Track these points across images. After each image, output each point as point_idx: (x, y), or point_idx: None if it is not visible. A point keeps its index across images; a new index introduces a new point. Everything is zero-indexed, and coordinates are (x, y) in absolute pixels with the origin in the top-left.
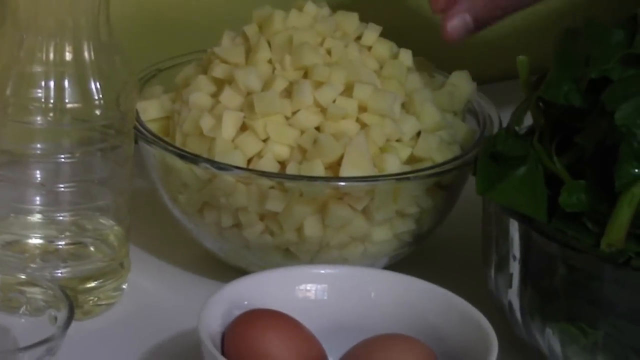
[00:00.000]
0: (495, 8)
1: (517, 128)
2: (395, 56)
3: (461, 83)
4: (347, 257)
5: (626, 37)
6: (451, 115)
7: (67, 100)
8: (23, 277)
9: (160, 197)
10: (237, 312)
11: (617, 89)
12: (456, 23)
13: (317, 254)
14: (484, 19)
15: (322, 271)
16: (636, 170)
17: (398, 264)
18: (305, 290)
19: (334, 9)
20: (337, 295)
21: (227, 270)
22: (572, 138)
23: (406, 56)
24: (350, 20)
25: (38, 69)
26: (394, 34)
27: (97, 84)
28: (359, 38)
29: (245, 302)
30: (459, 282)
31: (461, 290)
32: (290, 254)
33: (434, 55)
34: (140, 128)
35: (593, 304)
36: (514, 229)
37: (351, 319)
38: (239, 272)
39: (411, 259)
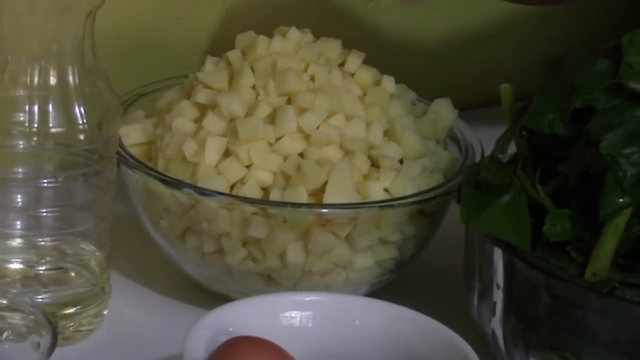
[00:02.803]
0: None
1: (500, 156)
2: (378, 83)
3: (443, 110)
4: (329, 284)
5: (610, 66)
6: (433, 142)
7: (50, 125)
8: (4, 302)
9: (142, 223)
10: (222, 339)
11: (602, 118)
12: None
13: (299, 281)
14: None
15: (307, 298)
16: (621, 200)
17: (380, 291)
18: (289, 318)
19: (318, 35)
20: (322, 322)
21: (208, 297)
22: (556, 167)
23: (389, 83)
24: (333, 47)
25: (22, 92)
26: (377, 60)
27: (81, 108)
28: (342, 64)
29: (230, 329)
30: (441, 310)
31: (444, 318)
32: (272, 281)
33: (416, 82)
34: (123, 153)
35: (577, 333)
36: (498, 257)
37: (336, 346)
38: (220, 298)
39: (393, 286)
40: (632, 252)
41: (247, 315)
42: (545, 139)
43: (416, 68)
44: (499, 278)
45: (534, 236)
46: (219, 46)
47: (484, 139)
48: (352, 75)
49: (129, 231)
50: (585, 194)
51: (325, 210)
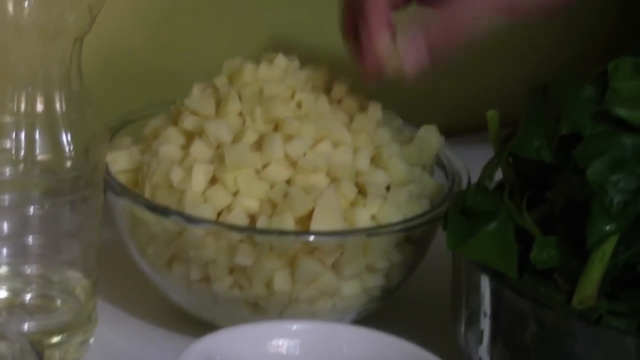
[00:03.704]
0: (450, 41)
1: (487, 183)
2: (364, 109)
3: (430, 137)
4: (316, 311)
5: (596, 92)
6: (420, 169)
7: (37, 151)
8: None
9: (128, 250)
10: None
11: (589, 145)
12: (415, 60)
13: (286, 309)
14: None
15: (294, 326)
16: (607, 227)
17: (367, 319)
18: (277, 346)
19: (304, 62)
20: (309, 351)
21: (194, 324)
22: (543, 194)
23: (375, 109)
24: (320, 73)
25: (8, 119)
26: (363, 87)
27: (68, 135)
28: (329, 91)
29: (217, 357)
30: (428, 338)
31: (430, 346)
32: (258, 308)
33: (403, 109)
34: (109, 179)
35: None
36: (485, 284)
37: None
38: (207, 326)
39: (380, 313)
40: (619, 279)
41: (234, 344)
42: (532, 165)
43: (402, 94)
44: (486, 305)
45: (521, 263)
46: (206, 72)
47: (471, 165)
48: (339, 101)
49: (116, 258)
50: (572, 221)
51: (312, 238)
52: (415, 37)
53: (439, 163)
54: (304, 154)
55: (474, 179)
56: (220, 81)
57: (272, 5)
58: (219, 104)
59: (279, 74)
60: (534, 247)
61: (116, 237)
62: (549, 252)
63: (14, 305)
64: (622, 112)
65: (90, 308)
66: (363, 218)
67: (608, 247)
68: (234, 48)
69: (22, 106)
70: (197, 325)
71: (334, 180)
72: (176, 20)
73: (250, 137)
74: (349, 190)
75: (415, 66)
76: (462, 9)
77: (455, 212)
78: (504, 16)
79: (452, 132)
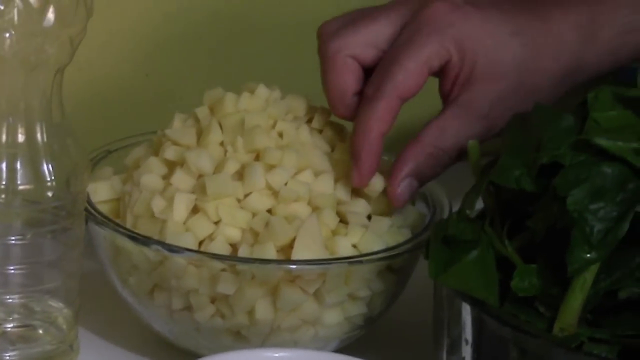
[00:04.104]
0: (437, 166)
1: (468, 212)
2: (345, 139)
3: None
4: (298, 340)
5: (576, 122)
6: None
7: (19, 182)
8: None
9: (110, 279)
10: None
11: (569, 174)
12: (403, 190)
13: (268, 337)
14: (427, 178)
15: (276, 355)
16: (588, 255)
17: (349, 347)
18: None
19: (285, 92)
20: None
21: (177, 353)
22: (524, 222)
23: None
24: (301, 103)
25: None
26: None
27: (49, 165)
28: (310, 121)
29: None
30: None
31: None
32: (241, 337)
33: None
34: (91, 209)
35: None
36: (466, 312)
37: None
38: (189, 355)
39: (362, 342)
40: (600, 307)
41: None
42: (512, 194)
43: None
44: (468, 333)
45: (502, 291)
46: (187, 103)
47: (452, 195)
48: (320, 131)
49: (98, 288)
50: (553, 249)
51: (293, 267)
52: (407, 181)
53: (420, 193)
54: (286, 184)
55: (455, 208)
56: (202, 112)
57: (254, 37)
58: (200, 134)
59: (260, 104)
60: (515, 275)
61: (98, 266)
62: (530, 280)
63: None
64: (602, 141)
65: (72, 337)
66: (345, 247)
67: (589, 275)
68: (215, 78)
69: (4, 137)
70: (180, 354)
71: (315, 209)
72: (157, 51)
73: (232, 166)
74: (331, 220)
75: (401, 204)
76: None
77: (437, 240)
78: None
79: None
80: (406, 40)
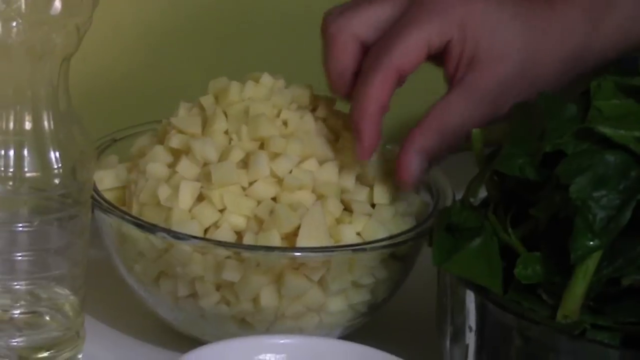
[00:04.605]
0: (444, 144)
1: (472, 200)
2: (349, 128)
3: None
4: (302, 327)
5: (579, 111)
6: None
7: (25, 169)
8: None
9: (116, 267)
10: None
11: (571, 162)
12: (412, 166)
13: (272, 324)
14: (435, 156)
15: (281, 341)
16: (591, 243)
17: (353, 334)
18: None
19: (290, 82)
20: None
21: (182, 340)
22: (527, 210)
23: None
24: (305, 92)
25: None
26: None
27: (56, 153)
28: (314, 110)
29: None
30: (414, 353)
31: None
32: (246, 324)
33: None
34: (97, 197)
35: None
36: (470, 300)
37: None
38: (194, 341)
39: (366, 329)
40: (603, 294)
41: (221, 358)
42: (516, 183)
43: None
44: (471, 321)
45: (506, 279)
46: (192, 92)
47: (456, 184)
48: (324, 120)
49: (104, 275)
50: (556, 237)
51: (298, 254)
52: (416, 157)
53: (424, 181)
54: (290, 172)
55: (459, 196)
56: (207, 100)
57: (259, 28)
58: (206, 122)
59: (264, 93)
60: (518, 263)
61: (104, 254)
62: (533, 268)
63: (2, 321)
64: (605, 129)
65: (79, 324)
66: (349, 235)
67: (591, 262)
68: (220, 68)
69: (11, 125)
70: (185, 341)
71: (319, 197)
72: (163, 40)
73: (237, 155)
74: (335, 208)
75: (411, 180)
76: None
77: (440, 228)
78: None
79: None
80: (407, 19)
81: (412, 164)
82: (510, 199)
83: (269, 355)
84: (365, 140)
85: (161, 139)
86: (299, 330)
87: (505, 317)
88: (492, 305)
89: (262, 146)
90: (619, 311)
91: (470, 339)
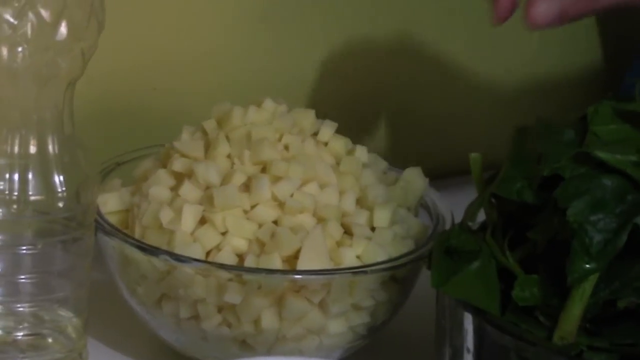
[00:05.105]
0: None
1: (470, 223)
2: (351, 152)
3: (414, 179)
4: (302, 349)
5: (576, 136)
6: (405, 210)
7: (30, 193)
8: None
9: (119, 289)
10: None
11: (569, 186)
12: (542, 10)
13: (273, 346)
14: (571, 12)
15: None
16: (587, 266)
17: (352, 356)
18: None
19: (291, 105)
20: None
21: None
22: (525, 233)
23: (361, 152)
24: (307, 117)
25: (2, 161)
26: (349, 130)
27: (60, 177)
28: (316, 134)
29: None
30: None
31: None
32: (246, 346)
33: (388, 152)
34: (100, 220)
35: None
36: (468, 322)
37: None
38: None
39: (366, 351)
40: (599, 316)
41: None
42: (514, 206)
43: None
44: (469, 342)
45: (504, 301)
46: (195, 116)
47: (455, 207)
48: (326, 144)
49: (106, 298)
50: (553, 260)
51: (299, 277)
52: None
53: (423, 204)
54: (291, 195)
55: (458, 220)
56: (209, 125)
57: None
58: (208, 146)
59: (266, 118)
60: (516, 285)
61: (107, 277)
62: (531, 290)
63: (6, 343)
64: (602, 154)
65: (81, 346)
66: (349, 257)
67: (588, 284)
68: (223, 93)
69: (16, 148)
70: None
71: (320, 220)
72: (167, 64)
73: (239, 178)
74: (335, 231)
75: (541, 23)
76: None
77: (439, 251)
78: None
79: (436, 175)
80: None
81: (542, 11)
82: (509, 222)
83: None
84: (501, 2)
85: (164, 163)
86: (299, 352)
87: (503, 338)
88: (489, 327)
89: (264, 170)
90: (616, 333)
91: None
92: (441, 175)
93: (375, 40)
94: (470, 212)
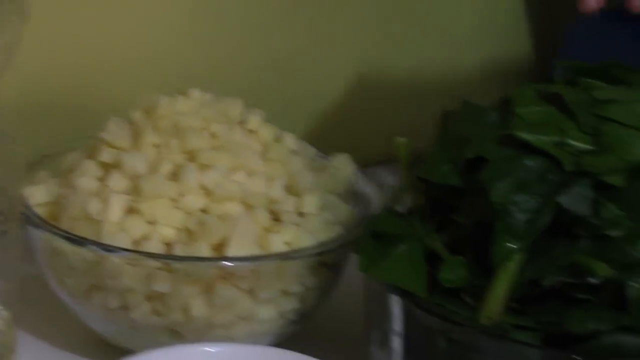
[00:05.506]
0: None
1: (398, 208)
2: (278, 140)
3: (342, 165)
4: (233, 336)
5: (500, 118)
6: (333, 196)
7: None
8: None
9: (48, 281)
10: None
11: (493, 168)
12: None
13: (203, 334)
14: None
15: (210, 349)
16: (511, 245)
17: (284, 342)
18: None
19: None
20: None
21: (115, 352)
22: (451, 216)
23: (289, 139)
24: (234, 105)
25: None
26: (278, 119)
27: None
28: (243, 122)
29: None
30: (343, 359)
31: None
32: (177, 334)
33: (317, 139)
34: (28, 213)
35: None
36: (396, 305)
37: None
38: (127, 353)
39: (296, 336)
40: (524, 296)
41: None
42: (440, 189)
43: (316, 126)
44: (397, 325)
45: (431, 284)
46: (123, 108)
47: (384, 194)
48: (254, 132)
49: (36, 290)
50: (479, 241)
51: (227, 264)
52: None
53: (352, 191)
54: (219, 183)
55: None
56: (136, 115)
57: (188, 40)
58: (135, 136)
59: (193, 107)
60: (442, 267)
61: (36, 269)
62: (457, 272)
63: None
64: (525, 135)
65: (11, 339)
66: (277, 244)
67: (513, 264)
68: (150, 83)
69: None
70: (118, 353)
71: (248, 208)
72: (92, 57)
73: (166, 167)
74: (264, 218)
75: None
76: None
77: (367, 236)
78: None
79: (366, 163)
80: None
81: None
82: (435, 206)
83: None
84: None
85: (92, 154)
86: (230, 339)
87: (430, 320)
88: (416, 310)
89: (191, 159)
90: (541, 312)
91: (396, 343)
92: (371, 164)
93: (297, 28)
94: (396, 196)
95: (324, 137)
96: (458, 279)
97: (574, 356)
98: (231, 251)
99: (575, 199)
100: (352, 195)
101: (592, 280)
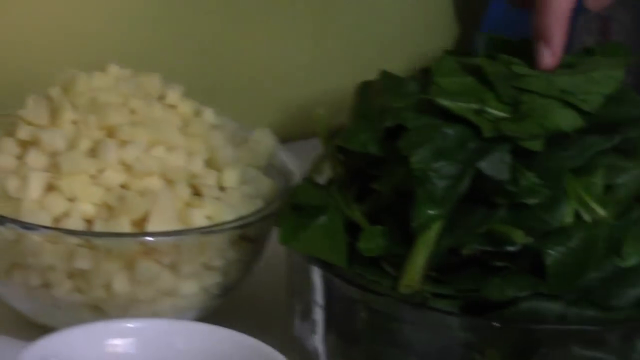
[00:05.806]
0: None
1: (318, 179)
2: (198, 114)
3: (263, 139)
4: (156, 311)
5: (420, 88)
6: (254, 170)
7: None
8: None
9: None
10: None
11: (412, 135)
12: None
13: (126, 310)
14: None
15: (131, 325)
16: (431, 212)
17: (209, 316)
18: (113, 345)
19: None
20: (145, 348)
21: (38, 330)
22: (371, 186)
23: (209, 114)
24: (152, 81)
25: None
26: (199, 94)
27: None
28: (162, 98)
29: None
30: (267, 332)
31: (270, 339)
32: (100, 311)
33: (239, 114)
34: None
35: (394, 346)
36: (316, 276)
37: None
38: (50, 330)
39: (221, 310)
40: (443, 265)
41: (70, 345)
42: (360, 159)
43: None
44: (318, 296)
45: (351, 254)
46: (40, 84)
47: (305, 168)
48: (174, 107)
49: None
50: (400, 210)
51: (148, 239)
52: None
53: (273, 164)
54: (139, 159)
55: None
56: (54, 91)
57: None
58: (54, 113)
59: (111, 82)
60: (361, 237)
61: None
62: (376, 241)
63: None
64: (444, 102)
65: None
66: (199, 218)
67: (432, 232)
68: (69, 59)
69: None
70: (41, 331)
71: (168, 183)
72: (11, 34)
73: (85, 144)
74: (184, 192)
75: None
76: None
77: (287, 208)
78: None
79: (287, 138)
80: None
81: None
82: (355, 176)
83: (118, 339)
84: (555, 45)
85: (10, 132)
86: (154, 315)
87: (350, 290)
88: (337, 280)
89: (110, 135)
90: (460, 280)
91: (318, 314)
92: (294, 139)
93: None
94: (317, 167)
95: (246, 113)
96: (377, 248)
97: (493, 322)
98: (152, 226)
99: (495, 165)
100: (274, 169)
101: (510, 248)
